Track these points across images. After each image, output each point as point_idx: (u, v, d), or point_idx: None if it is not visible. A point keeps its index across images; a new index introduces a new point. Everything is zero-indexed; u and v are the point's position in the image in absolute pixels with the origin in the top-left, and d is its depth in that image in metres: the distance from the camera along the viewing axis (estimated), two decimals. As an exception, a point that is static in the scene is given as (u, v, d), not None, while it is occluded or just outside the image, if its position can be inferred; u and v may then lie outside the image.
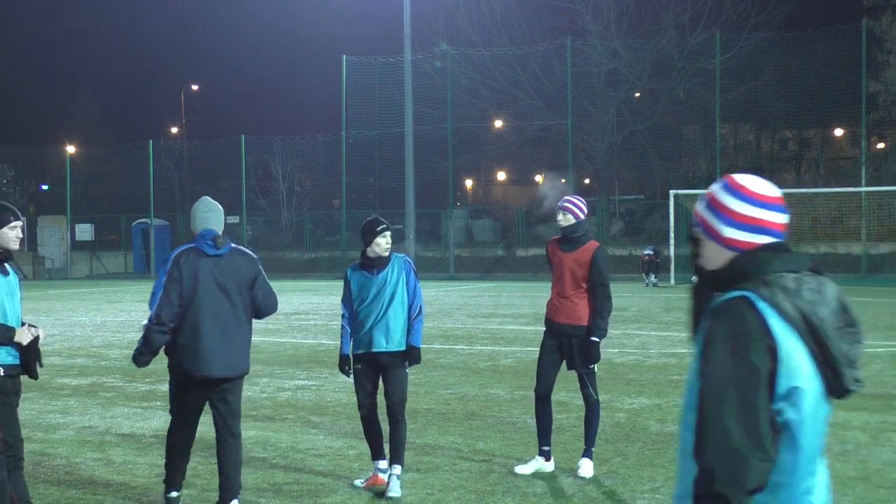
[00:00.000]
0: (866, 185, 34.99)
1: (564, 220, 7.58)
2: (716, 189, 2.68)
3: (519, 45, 43.88)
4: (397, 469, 7.07)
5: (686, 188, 37.52)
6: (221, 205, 6.79)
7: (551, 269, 7.78)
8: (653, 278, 31.31)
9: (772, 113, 45.82)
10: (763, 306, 2.43)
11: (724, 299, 2.49)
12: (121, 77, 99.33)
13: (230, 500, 6.53)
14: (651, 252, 31.69)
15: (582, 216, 7.58)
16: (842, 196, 35.53)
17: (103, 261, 48.57)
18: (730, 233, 2.59)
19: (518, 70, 43.65)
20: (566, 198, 7.69)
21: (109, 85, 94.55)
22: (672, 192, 34.76)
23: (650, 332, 17.59)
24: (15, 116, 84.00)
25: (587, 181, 55.67)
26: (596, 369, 7.71)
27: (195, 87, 77.90)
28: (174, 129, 74.65)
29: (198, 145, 54.70)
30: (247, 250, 6.74)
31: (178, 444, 6.73)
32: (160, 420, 9.83)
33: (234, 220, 46.49)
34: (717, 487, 2.35)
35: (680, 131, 48.26)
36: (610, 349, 15.08)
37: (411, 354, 7.19)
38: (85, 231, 49.18)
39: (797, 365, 2.42)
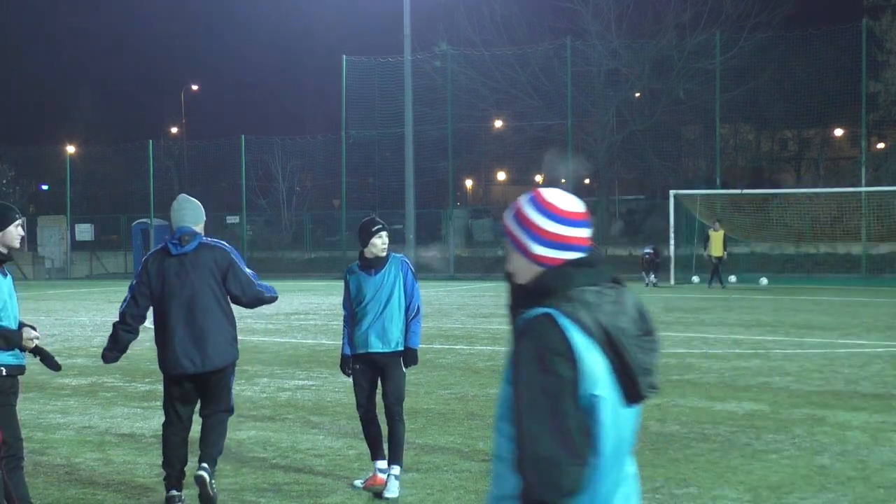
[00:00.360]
0: (866, 185, 34.97)
1: None
2: (524, 204, 2.73)
3: (519, 45, 43.86)
4: (396, 469, 7.07)
5: (686, 188, 37.53)
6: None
7: None
8: (652, 278, 31.30)
9: (772, 113, 45.82)
10: (565, 322, 2.54)
11: (529, 317, 2.59)
12: (121, 77, 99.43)
13: (200, 464, 6.67)
14: (651, 252, 31.67)
15: None
16: (842, 196, 35.52)
17: (103, 261, 48.54)
18: (538, 250, 2.67)
19: (518, 70, 43.63)
20: None
21: (109, 85, 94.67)
22: (672, 192, 34.76)
23: (650, 332, 17.58)
24: (15, 116, 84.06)
25: (587, 181, 55.68)
26: None
27: (195, 87, 77.97)
28: (174, 129, 74.68)
29: (198, 145, 54.70)
30: (219, 243, 6.78)
31: (171, 439, 6.83)
32: (160, 420, 9.80)
33: (234, 220, 46.50)
34: (538, 496, 2.49)
35: (680, 131, 48.24)
36: (610, 349, 15.08)
37: (407, 356, 7.17)
38: (85, 231, 49.16)
39: (597, 376, 2.54)
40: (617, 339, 2.57)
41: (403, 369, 7.21)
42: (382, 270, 7.11)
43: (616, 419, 2.59)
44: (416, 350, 7.22)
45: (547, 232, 2.67)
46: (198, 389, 6.81)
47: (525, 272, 2.70)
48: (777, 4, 42.53)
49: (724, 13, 42.49)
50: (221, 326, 6.66)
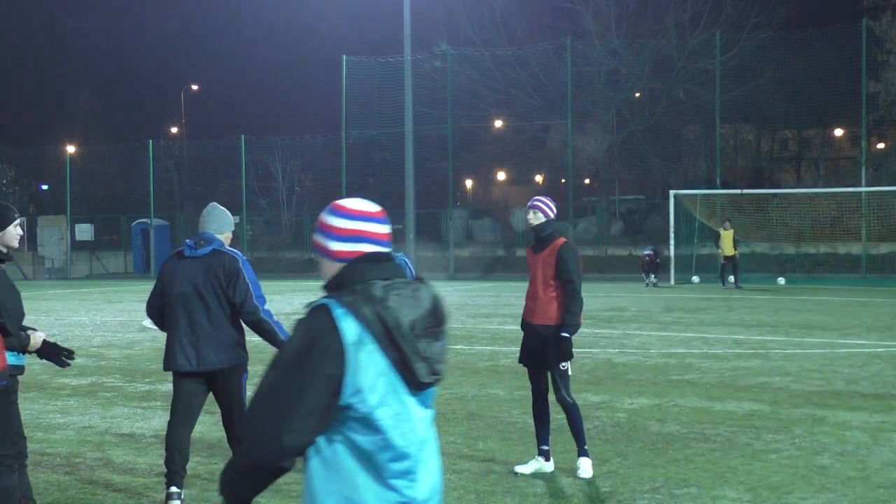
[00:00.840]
0: (866, 185, 34.98)
1: (535, 217, 7.61)
2: (322, 214, 3.03)
3: (519, 45, 43.88)
4: None
5: (686, 188, 37.52)
6: (221, 204, 7.09)
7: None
8: (652, 278, 31.28)
9: (772, 113, 45.80)
10: (340, 312, 2.76)
11: (310, 306, 2.83)
12: (121, 77, 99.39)
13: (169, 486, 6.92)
14: (651, 252, 31.66)
15: (552, 215, 7.63)
16: (842, 196, 35.52)
17: (103, 261, 48.54)
18: (334, 246, 2.95)
19: (518, 70, 43.63)
20: (536, 197, 7.76)
21: (109, 85, 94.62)
22: (672, 192, 34.75)
23: (650, 332, 17.59)
24: (15, 116, 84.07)
25: (587, 181, 55.63)
26: (570, 371, 7.54)
27: (195, 87, 77.93)
28: (174, 129, 74.61)
29: (198, 145, 54.66)
30: (231, 251, 6.96)
31: (173, 433, 6.91)
32: (160, 420, 9.82)
33: (235, 220, 46.31)
34: (240, 460, 2.78)
35: (680, 131, 48.21)
36: (610, 349, 15.07)
37: None
38: (85, 231, 49.17)
39: (366, 364, 2.74)
40: (393, 330, 2.77)
41: None
42: None
43: (391, 404, 2.78)
44: None
45: (339, 228, 2.95)
46: (208, 390, 7.00)
47: (329, 271, 2.95)
48: (777, 4, 42.56)
49: (724, 13, 42.51)
50: (220, 329, 6.82)
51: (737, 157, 52.32)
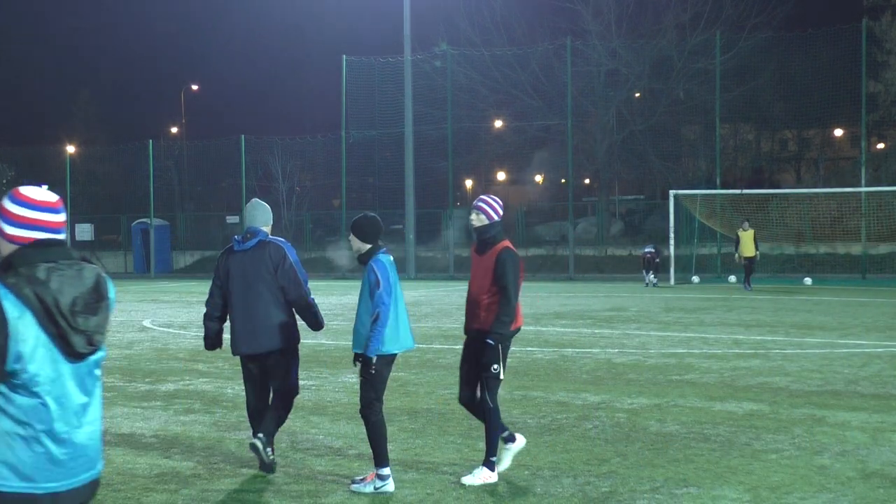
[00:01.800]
0: (866, 186, 34.97)
1: (477, 219, 7.37)
2: (4, 199, 3.41)
3: (519, 45, 43.83)
4: (381, 470, 7.03)
5: (686, 188, 37.50)
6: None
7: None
8: (652, 278, 31.25)
9: (772, 113, 45.76)
10: (3, 292, 3.17)
11: None
12: (121, 77, 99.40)
13: (255, 434, 7.49)
14: (652, 250, 31.58)
15: (496, 217, 7.35)
16: (842, 196, 35.51)
17: (103, 261, 48.49)
18: (8, 230, 3.34)
19: (518, 70, 43.61)
20: (481, 197, 7.50)
21: (109, 85, 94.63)
22: (672, 192, 34.72)
23: (650, 332, 17.59)
24: (15, 116, 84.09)
25: (587, 181, 55.62)
26: (502, 375, 7.33)
27: (195, 87, 77.93)
28: (174, 129, 74.60)
29: (198, 145, 54.60)
30: (277, 241, 7.57)
31: (251, 406, 7.82)
32: (160, 420, 9.83)
33: (235, 219, 46.48)
34: None
35: (680, 131, 48.16)
36: (610, 349, 15.07)
37: (358, 361, 6.98)
38: (85, 231, 49.17)
39: (24, 336, 3.17)
40: (52, 307, 3.18)
41: (371, 371, 6.97)
42: (364, 272, 7.12)
43: (47, 371, 3.21)
44: (363, 355, 6.90)
45: (13, 214, 3.34)
46: (259, 370, 7.63)
47: (5, 251, 3.32)
48: (777, 4, 42.53)
49: (724, 13, 42.47)
50: (272, 314, 7.44)
51: (737, 157, 52.34)
